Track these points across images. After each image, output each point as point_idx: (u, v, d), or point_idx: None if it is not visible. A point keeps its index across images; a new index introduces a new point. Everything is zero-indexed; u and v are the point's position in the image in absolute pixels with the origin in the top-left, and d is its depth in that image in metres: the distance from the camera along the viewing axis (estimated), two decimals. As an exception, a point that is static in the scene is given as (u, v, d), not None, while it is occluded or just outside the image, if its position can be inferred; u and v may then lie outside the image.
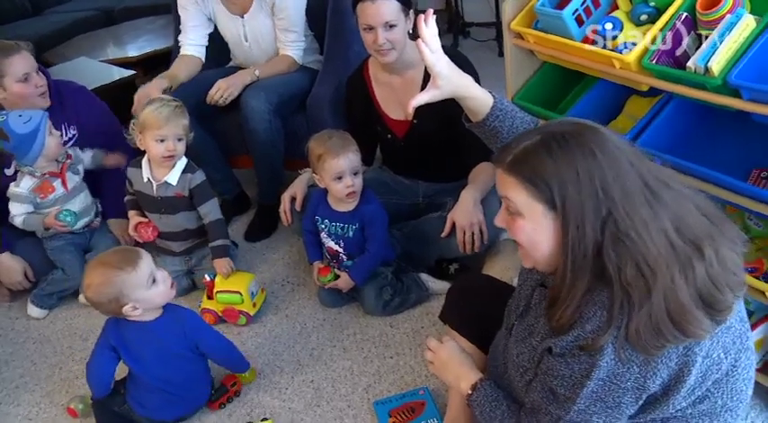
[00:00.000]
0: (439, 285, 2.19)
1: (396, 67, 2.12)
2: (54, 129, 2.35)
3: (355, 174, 1.99)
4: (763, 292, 1.50)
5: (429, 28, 1.33)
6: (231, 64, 2.82)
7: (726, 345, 1.11)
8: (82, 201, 2.44)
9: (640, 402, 1.10)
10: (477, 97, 1.41)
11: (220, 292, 2.14)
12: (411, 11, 2.04)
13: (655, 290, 1.03)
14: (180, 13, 2.69)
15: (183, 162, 2.20)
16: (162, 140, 2.11)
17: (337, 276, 2.12)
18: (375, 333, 2.10)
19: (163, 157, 2.14)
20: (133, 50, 3.63)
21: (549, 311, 1.15)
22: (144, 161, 2.22)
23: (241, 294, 2.14)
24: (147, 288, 1.67)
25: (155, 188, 2.22)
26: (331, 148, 1.95)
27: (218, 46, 2.76)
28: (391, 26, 1.98)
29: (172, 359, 1.75)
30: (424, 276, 2.20)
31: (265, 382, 1.97)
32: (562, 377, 1.13)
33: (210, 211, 2.23)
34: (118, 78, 3.10)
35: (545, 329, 1.19)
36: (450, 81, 1.37)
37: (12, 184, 2.36)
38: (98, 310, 1.72)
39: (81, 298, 2.40)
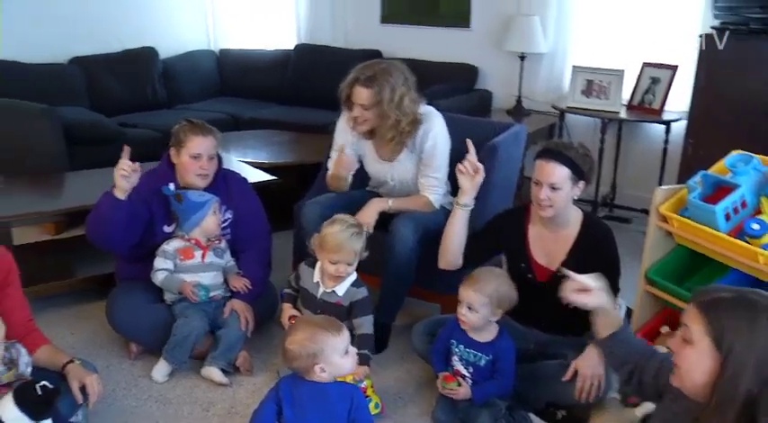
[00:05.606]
0: (544, 428, 2.34)
1: (551, 223, 2.38)
2: (218, 212, 2.68)
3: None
4: None
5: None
6: (369, 188, 3.09)
7: None
8: (213, 277, 2.70)
9: None
10: (613, 316, 1.85)
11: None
12: (582, 182, 2.29)
13: None
14: (337, 135, 2.97)
15: (353, 276, 2.42)
16: (334, 263, 2.36)
17: (459, 385, 2.28)
18: (485, 456, 2.22)
19: (331, 275, 2.38)
20: (269, 157, 3.99)
21: None
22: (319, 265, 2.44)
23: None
24: (341, 355, 1.88)
25: (320, 291, 2.43)
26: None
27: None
28: (556, 188, 2.26)
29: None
30: (533, 417, 2.35)
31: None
32: None
33: (364, 324, 2.40)
34: (261, 180, 3.38)
35: None
36: (603, 296, 1.84)
37: (165, 241, 2.68)
38: (290, 364, 1.91)
39: (203, 371, 2.57)
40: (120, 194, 2.52)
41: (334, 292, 2.40)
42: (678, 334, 1.48)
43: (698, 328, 1.40)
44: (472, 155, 2.43)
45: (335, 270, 2.35)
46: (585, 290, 1.84)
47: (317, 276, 2.44)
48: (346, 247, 2.32)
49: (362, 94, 2.69)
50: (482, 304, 2.22)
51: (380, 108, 2.69)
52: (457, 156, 2.84)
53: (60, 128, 3.94)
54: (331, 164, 2.97)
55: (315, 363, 1.88)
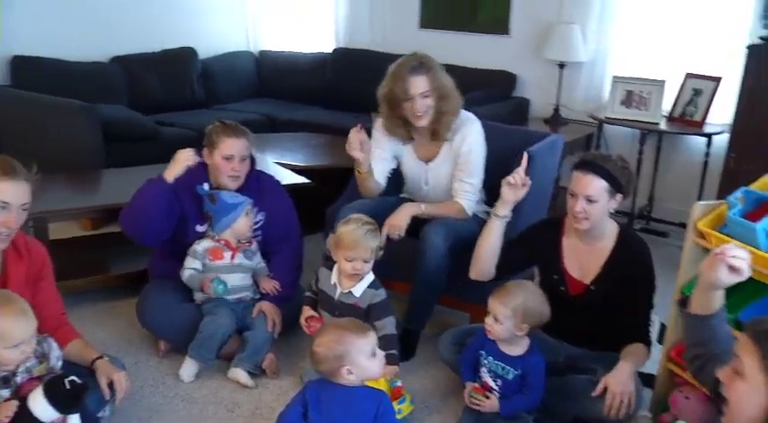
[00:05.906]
0: (571, 443, 2.30)
1: (586, 236, 2.34)
2: (251, 214, 2.70)
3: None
4: None
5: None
6: (403, 195, 3.08)
7: None
8: (241, 279, 2.71)
9: None
10: (715, 298, 1.75)
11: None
12: (619, 195, 2.25)
13: None
14: (372, 143, 2.90)
15: (369, 277, 2.42)
16: (350, 260, 2.36)
17: (487, 397, 2.24)
18: (508, 469, 2.19)
19: (349, 274, 2.38)
20: (305, 160, 3.99)
21: None
22: (336, 266, 2.45)
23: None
24: (367, 357, 1.88)
25: (337, 292, 2.43)
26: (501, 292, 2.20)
27: (394, 175, 3.04)
28: (592, 200, 2.22)
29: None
30: (560, 431, 2.31)
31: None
32: None
33: (386, 325, 2.39)
34: (294, 183, 3.38)
35: None
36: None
37: (195, 241, 2.70)
38: (318, 368, 1.91)
39: (230, 373, 2.58)
40: (170, 178, 2.57)
41: (350, 292, 2.40)
42: (727, 367, 1.43)
43: (750, 361, 1.35)
44: (522, 168, 2.41)
45: (352, 267, 2.35)
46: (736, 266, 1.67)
47: (334, 278, 2.44)
48: (362, 243, 2.33)
49: (421, 82, 2.69)
50: (506, 317, 2.18)
51: (440, 90, 2.71)
52: (492, 164, 2.83)
53: (98, 125, 4.00)
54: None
55: (341, 365, 1.87)
